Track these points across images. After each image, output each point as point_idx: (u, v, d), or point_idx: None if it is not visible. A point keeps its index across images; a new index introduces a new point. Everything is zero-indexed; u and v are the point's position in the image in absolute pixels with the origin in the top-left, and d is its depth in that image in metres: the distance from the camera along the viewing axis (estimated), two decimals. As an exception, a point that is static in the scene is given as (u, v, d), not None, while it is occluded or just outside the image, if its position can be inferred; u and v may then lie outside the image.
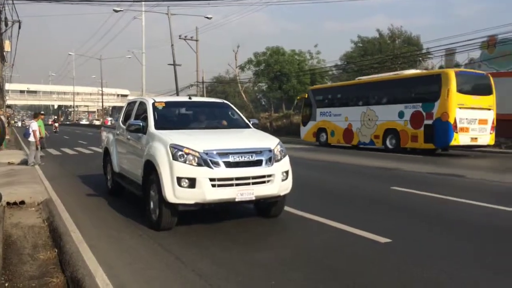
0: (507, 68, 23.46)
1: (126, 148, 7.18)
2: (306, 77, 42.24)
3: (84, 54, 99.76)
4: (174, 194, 5.18)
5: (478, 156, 17.57)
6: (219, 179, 5.21)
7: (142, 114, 6.79)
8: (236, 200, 5.29)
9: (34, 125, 13.81)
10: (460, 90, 15.67)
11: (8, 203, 7.34)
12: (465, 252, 4.80)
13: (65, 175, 11.42)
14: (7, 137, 19.71)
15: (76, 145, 23.20)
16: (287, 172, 5.80)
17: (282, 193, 5.73)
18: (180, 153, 5.26)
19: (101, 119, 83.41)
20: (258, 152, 5.49)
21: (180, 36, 36.48)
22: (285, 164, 5.80)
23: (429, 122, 16.41)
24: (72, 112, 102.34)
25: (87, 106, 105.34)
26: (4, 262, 4.53)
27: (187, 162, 5.21)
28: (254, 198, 5.38)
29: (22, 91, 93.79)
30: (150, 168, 5.63)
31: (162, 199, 5.27)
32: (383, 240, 5.08)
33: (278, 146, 5.79)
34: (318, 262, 4.44)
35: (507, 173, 11.72)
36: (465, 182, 10.10)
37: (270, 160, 5.52)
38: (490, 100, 16.50)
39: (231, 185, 5.26)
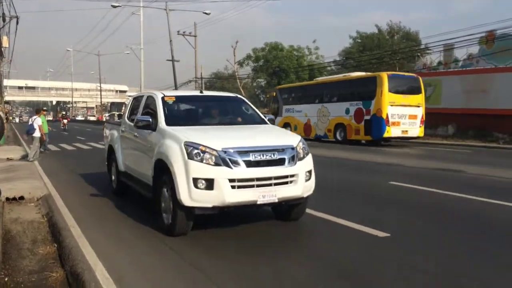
0: (506, 64, 23.48)
1: (133, 145, 6.75)
2: (305, 73, 42.29)
3: (82, 50, 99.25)
4: (190, 196, 4.75)
5: (467, 151, 17.64)
6: (239, 180, 4.78)
7: (150, 109, 6.36)
8: (258, 202, 4.85)
9: (39, 120, 13.99)
10: (391, 90, 18.34)
11: (7, 199, 7.36)
12: (463, 245, 4.84)
13: (64, 171, 11.44)
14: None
15: (75, 140, 23.20)
16: (310, 172, 5.42)
17: (305, 195, 5.33)
18: (196, 151, 4.82)
19: (96, 115, 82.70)
20: (280, 150, 5.08)
21: (178, 32, 36.40)
22: (308, 163, 5.40)
23: (368, 117, 19.11)
24: (71, 108, 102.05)
25: (86, 102, 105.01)
26: (3, 257, 4.55)
27: (204, 161, 4.78)
28: (276, 200, 4.94)
29: (20, 87, 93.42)
30: (162, 168, 5.20)
31: (176, 202, 4.87)
32: (381, 234, 5.11)
33: (301, 143, 5.38)
34: (321, 258, 4.48)
35: (507, 169, 11.75)
36: (465, 177, 10.13)
37: (293, 159, 5.11)
38: (419, 98, 19.12)
39: (252, 186, 4.83)
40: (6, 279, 4.07)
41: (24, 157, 13.71)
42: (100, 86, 71.48)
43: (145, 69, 40.24)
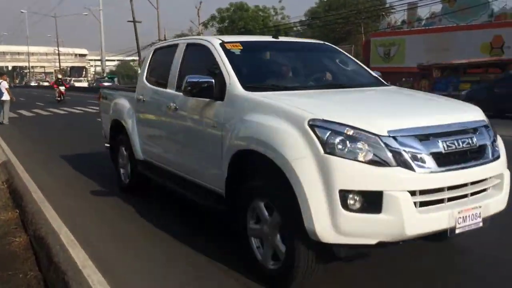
0: (467, 22, 23.96)
1: (168, 122, 4.32)
2: (271, 34, 41.87)
3: (38, 12, 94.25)
4: (335, 226, 2.51)
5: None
6: (425, 192, 2.58)
7: (201, 65, 3.93)
8: (457, 231, 2.66)
9: (5, 84, 14.23)
10: None
11: (-37, 166, 7.06)
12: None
13: (23, 137, 11.06)
14: None
15: (34, 107, 22.38)
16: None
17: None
18: (338, 138, 2.54)
19: (49, 80, 78.66)
20: (473, 130, 2.88)
21: (139, -9, 34.92)
22: (503, 150, 3.13)
23: None
24: (28, 74, 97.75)
25: (44, 67, 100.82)
26: (-38, 224, 4.40)
27: (357, 157, 2.52)
28: (481, 225, 2.78)
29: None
30: (253, 166, 3.11)
31: (300, 234, 2.64)
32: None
33: (486, 118, 3.19)
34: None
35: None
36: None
37: (493, 146, 2.97)
38: None
39: (442, 201, 2.66)
40: (-34, 246, 3.95)
41: None
42: (58, 50, 68.45)
43: (105, 31, 38.68)
